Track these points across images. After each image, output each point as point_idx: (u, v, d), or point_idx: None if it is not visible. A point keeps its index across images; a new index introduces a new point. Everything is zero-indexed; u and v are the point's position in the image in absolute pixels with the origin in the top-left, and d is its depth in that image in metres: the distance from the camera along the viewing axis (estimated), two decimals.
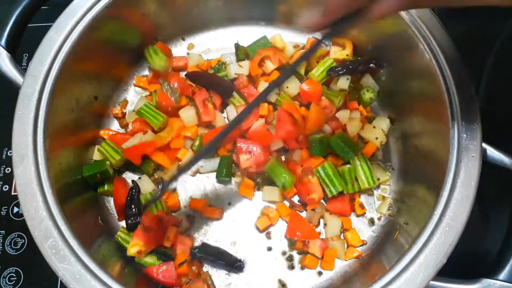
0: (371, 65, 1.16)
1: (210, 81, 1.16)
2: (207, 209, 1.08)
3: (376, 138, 1.13)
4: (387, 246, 1.00)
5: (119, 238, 1.02)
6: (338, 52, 1.22)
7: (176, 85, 1.13)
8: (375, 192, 1.11)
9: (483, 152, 0.90)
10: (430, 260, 0.82)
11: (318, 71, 1.17)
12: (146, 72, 1.24)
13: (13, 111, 0.90)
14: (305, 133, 1.10)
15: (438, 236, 0.83)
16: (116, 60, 1.14)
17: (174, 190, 1.10)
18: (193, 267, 1.01)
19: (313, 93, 1.13)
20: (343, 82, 1.16)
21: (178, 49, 1.27)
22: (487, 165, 0.92)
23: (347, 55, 1.21)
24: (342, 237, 1.06)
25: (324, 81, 1.18)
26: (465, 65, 0.95)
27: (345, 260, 1.04)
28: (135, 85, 1.22)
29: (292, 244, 1.06)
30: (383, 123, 1.15)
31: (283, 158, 1.12)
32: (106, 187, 1.07)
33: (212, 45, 1.27)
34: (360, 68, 1.16)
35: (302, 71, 1.20)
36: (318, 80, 1.16)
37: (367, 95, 1.17)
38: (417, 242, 0.84)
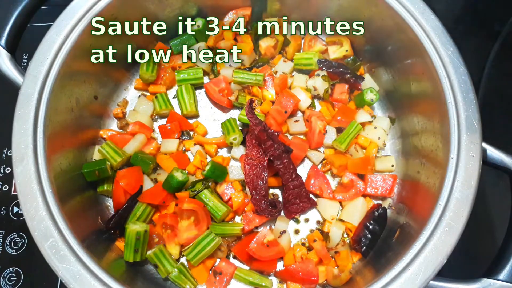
0: (352, 79, 1.16)
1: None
2: None
3: (379, 138, 1.13)
4: (387, 246, 0.99)
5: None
6: (337, 51, 1.21)
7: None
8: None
9: (483, 152, 0.90)
10: (430, 260, 0.82)
11: None
12: None
13: (13, 111, 0.90)
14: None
15: (438, 236, 0.83)
16: (116, 59, 1.14)
17: None
18: None
19: None
20: (318, 82, 1.17)
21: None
22: (487, 165, 0.92)
23: (346, 50, 1.20)
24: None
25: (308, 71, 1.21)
26: (465, 65, 0.95)
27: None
28: (135, 88, 1.22)
29: None
30: (383, 123, 1.15)
31: None
32: (105, 186, 1.06)
33: None
34: (348, 77, 1.16)
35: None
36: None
37: (369, 96, 1.15)
38: (417, 242, 0.84)
